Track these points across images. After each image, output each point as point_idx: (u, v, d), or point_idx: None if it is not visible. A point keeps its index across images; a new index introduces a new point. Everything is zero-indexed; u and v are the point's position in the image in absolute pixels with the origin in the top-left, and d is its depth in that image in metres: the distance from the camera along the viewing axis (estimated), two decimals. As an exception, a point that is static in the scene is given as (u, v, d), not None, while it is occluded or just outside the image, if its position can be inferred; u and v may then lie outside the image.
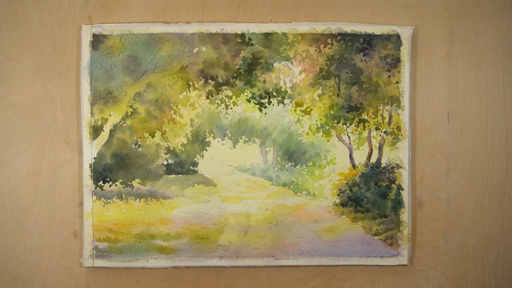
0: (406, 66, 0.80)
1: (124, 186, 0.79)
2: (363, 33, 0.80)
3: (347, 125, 0.81)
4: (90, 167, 0.79)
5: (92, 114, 0.79)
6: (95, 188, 0.79)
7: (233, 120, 0.80)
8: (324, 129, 0.81)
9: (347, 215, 0.81)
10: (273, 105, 0.80)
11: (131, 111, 0.79)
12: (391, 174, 0.81)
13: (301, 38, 0.80)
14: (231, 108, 0.80)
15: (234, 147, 0.80)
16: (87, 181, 0.79)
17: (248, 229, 0.80)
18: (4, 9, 0.79)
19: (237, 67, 0.79)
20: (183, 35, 0.79)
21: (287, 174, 0.81)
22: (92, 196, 0.79)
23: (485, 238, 0.83)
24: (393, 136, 0.81)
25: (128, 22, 0.80)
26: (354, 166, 0.81)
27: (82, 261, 0.79)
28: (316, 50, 0.80)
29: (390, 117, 0.81)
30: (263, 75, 0.80)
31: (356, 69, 0.80)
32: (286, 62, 0.80)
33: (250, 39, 0.79)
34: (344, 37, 0.80)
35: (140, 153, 0.80)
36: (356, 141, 0.81)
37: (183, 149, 0.80)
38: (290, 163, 0.81)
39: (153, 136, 0.80)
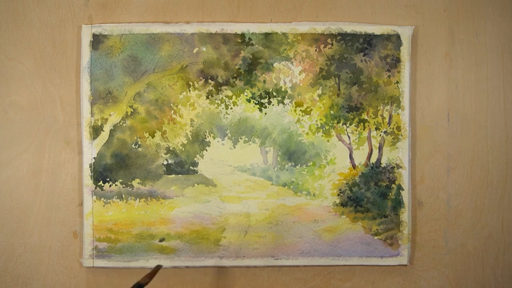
0: (406, 66, 0.80)
1: (124, 186, 0.79)
2: (363, 33, 0.80)
3: (347, 125, 0.81)
4: (90, 167, 0.79)
5: (92, 114, 0.79)
6: (95, 188, 0.79)
7: (233, 120, 0.80)
8: (324, 129, 0.81)
9: (347, 215, 0.81)
10: (273, 105, 0.80)
11: (131, 111, 0.79)
12: (391, 174, 0.81)
13: (301, 38, 0.80)
14: (231, 108, 0.80)
15: (234, 147, 0.80)
16: (87, 181, 0.79)
17: (248, 229, 0.80)
18: (4, 9, 0.79)
19: (237, 67, 0.79)
20: (183, 35, 0.79)
21: (287, 174, 0.81)
22: (92, 196, 0.79)
23: (485, 238, 0.83)
24: (393, 136, 0.81)
25: (128, 22, 0.80)
26: (354, 166, 0.81)
27: (82, 261, 0.79)
28: (316, 50, 0.80)
29: (390, 117, 0.81)
30: (263, 75, 0.80)
31: (356, 69, 0.80)
32: (286, 62, 0.80)
33: (250, 39, 0.79)
34: (344, 37, 0.80)
35: (140, 153, 0.80)
36: (356, 141, 0.81)
37: (183, 149, 0.80)
38: (290, 163, 0.81)
39: (153, 136, 0.80)
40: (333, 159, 0.81)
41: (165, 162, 0.80)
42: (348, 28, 0.80)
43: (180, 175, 0.80)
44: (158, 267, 0.73)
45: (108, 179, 0.79)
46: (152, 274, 0.71)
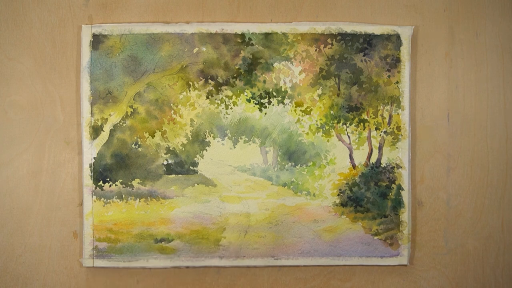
0: (406, 66, 0.80)
1: (124, 186, 0.79)
2: (363, 33, 0.80)
3: (347, 125, 0.81)
4: (90, 167, 0.79)
5: (92, 114, 0.79)
6: (95, 188, 0.79)
7: (233, 120, 0.80)
8: (324, 129, 0.81)
9: (347, 215, 0.81)
10: (273, 105, 0.80)
11: (131, 111, 0.79)
12: (391, 174, 0.81)
13: (301, 38, 0.80)
14: (231, 108, 0.80)
15: (234, 147, 0.80)
16: (87, 181, 0.79)
17: (248, 229, 0.80)
18: (4, 9, 0.79)
19: (237, 67, 0.79)
20: (183, 35, 0.79)
21: (287, 174, 0.81)
22: (92, 196, 0.79)
23: (485, 238, 0.83)
24: (393, 136, 0.81)
25: (128, 22, 0.80)
26: (354, 166, 0.81)
27: (82, 261, 0.79)
28: (316, 50, 0.80)
29: (390, 117, 0.81)
30: (263, 75, 0.80)
31: (356, 69, 0.80)
32: (286, 62, 0.80)
33: (250, 39, 0.79)
34: (344, 37, 0.80)
35: (140, 153, 0.80)
36: (356, 141, 0.81)
37: (183, 149, 0.80)
38: (290, 163, 0.81)
39: (153, 136, 0.80)
40: (333, 159, 0.81)
41: (165, 162, 0.80)
42: (348, 28, 0.80)
43: (180, 175, 0.80)
44: None
45: (108, 179, 0.79)
46: None
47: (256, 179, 0.81)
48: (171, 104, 0.79)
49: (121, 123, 0.79)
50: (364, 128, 0.81)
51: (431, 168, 0.83)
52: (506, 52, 0.82)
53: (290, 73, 0.80)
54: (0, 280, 0.80)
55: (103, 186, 0.79)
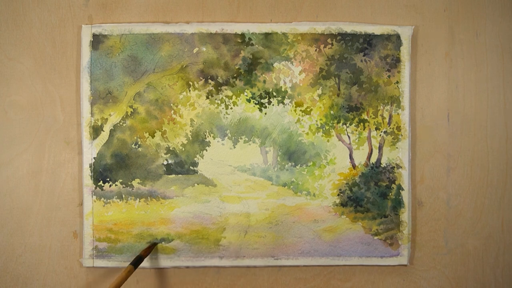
0: (406, 66, 0.80)
1: (124, 186, 0.79)
2: (363, 33, 0.80)
3: (347, 125, 0.81)
4: (90, 167, 0.79)
5: (92, 114, 0.79)
6: (95, 188, 0.79)
7: (233, 120, 0.80)
8: (324, 129, 0.81)
9: (347, 215, 0.81)
10: (273, 105, 0.80)
11: (131, 111, 0.79)
12: (391, 174, 0.81)
13: (301, 38, 0.80)
14: (231, 108, 0.80)
15: (234, 147, 0.80)
16: (87, 181, 0.79)
17: (248, 229, 0.80)
18: (4, 9, 0.79)
19: (237, 67, 0.79)
20: (183, 35, 0.79)
21: (287, 174, 0.81)
22: (92, 196, 0.79)
23: (485, 238, 0.83)
24: (393, 136, 0.81)
25: (128, 22, 0.80)
26: (354, 166, 0.81)
27: (82, 261, 0.79)
28: (316, 50, 0.80)
29: (390, 117, 0.81)
30: (263, 75, 0.80)
31: (356, 69, 0.80)
32: (286, 62, 0.80)
33: (250, 39, 0.79)
34: (344, 37, 0.80)
35: (140, 153, 0.80)
36: (356, 141, 0.81)
37: (183, 149, 0.80)
38: (290, 163, 0.81)
39: (153, 136, 0.80)
40: (333, 159, 0.81)
41: (165, 162, 0.80)
42: (348, 28, 0.80)
43: (180, 175, 0.80)
44: (155, 244, 0.78)
45: (108, 179, 0.79)
46: (149, 249, 0.76)
47: (256, 179, 0.81)
48: (171, 104, 0.79)
49: (121, 123, 0.79)
50: (364, 128, 0.81)
51: (431, 168, 0.83)
52: (506, 52, 0.82)
53: (290, 73, 0.80)
54: (0, 280, 0.80)
55: (103, 186, 0.79)
